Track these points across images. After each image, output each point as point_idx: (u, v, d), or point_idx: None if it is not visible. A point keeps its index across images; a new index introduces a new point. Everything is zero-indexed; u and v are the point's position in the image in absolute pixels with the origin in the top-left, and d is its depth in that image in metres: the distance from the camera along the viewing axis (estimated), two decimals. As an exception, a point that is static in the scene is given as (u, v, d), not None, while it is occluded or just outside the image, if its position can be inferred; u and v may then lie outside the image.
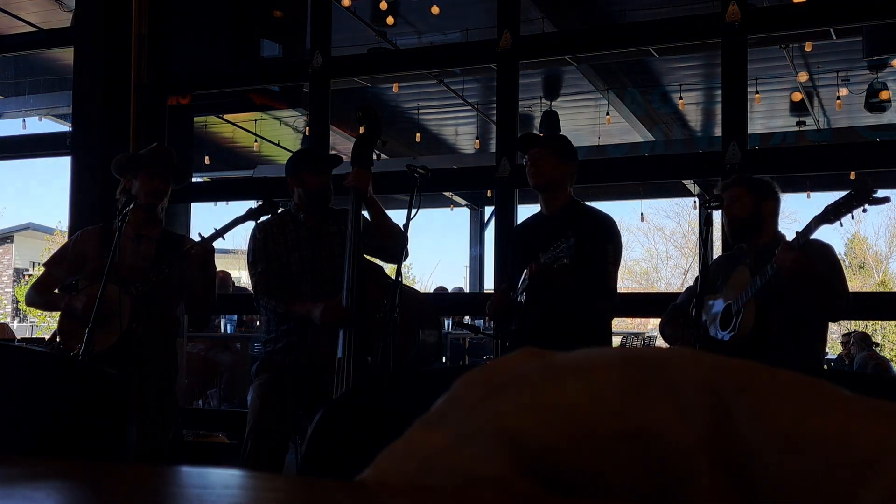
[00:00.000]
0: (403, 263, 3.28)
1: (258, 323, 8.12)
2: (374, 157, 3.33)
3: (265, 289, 3.26)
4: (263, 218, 3.37)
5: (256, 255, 3.31)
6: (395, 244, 3.22)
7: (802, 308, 2.88)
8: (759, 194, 3.10)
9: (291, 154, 3.57)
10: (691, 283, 3.41)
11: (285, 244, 3.30)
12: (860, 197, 2.62)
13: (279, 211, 3.44)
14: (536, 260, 2.92)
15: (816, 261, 2.81)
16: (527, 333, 3.10)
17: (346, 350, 3.03)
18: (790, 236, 3.00)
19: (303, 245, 3.29)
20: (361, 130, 3.36)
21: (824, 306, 2.94)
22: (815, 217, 2.71)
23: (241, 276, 13.58)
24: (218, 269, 3.49)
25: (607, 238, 3.11)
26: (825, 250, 2.96)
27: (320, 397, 3.08)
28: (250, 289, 3.51)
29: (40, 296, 3.45)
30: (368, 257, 3.33)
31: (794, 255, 2.71)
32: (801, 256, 2.71)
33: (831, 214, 2.66)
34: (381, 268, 3.36)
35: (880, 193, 2.64)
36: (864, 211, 2.88)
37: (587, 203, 3.30)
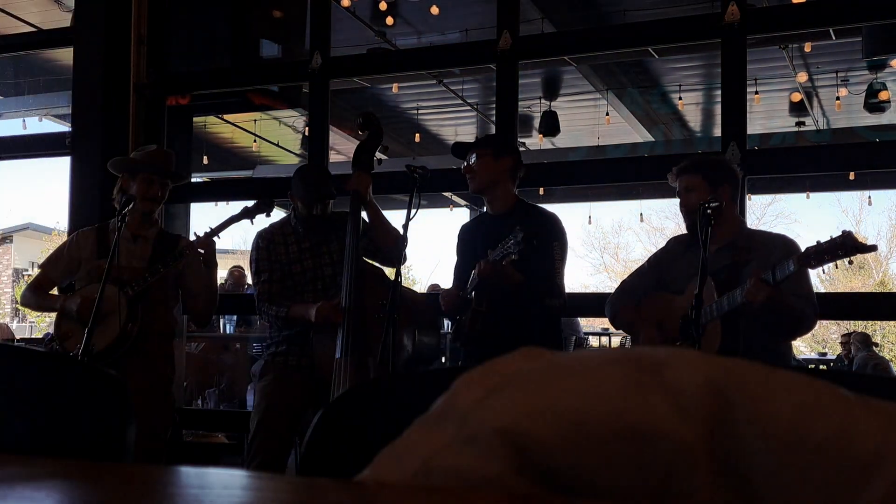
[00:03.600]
0: (403, 265, 3.29)
1: (258, 323, 8.13)
2: (376, 162, 3.35)
3: (269, 297, 3.31)
4: (264, 221, 3.38)
5: (260, 265, 3.35)
6: (393, 248, 3.24)
7: (770, 332, 2.80)
8: (714, 182, 2.95)
9: (299, 169, 3.56)
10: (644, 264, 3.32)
11: (287, 255, 3.34)
12: (845, 248, 2.49)
13: (281, 218, 3.47)
14: (485, 258, 2.92)
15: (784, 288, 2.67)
16: (478, 333, 3.09)
17: (344, 351, 3.05)
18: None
19: (304, 258, 3.34)
20: (362, 134, 3.38)
21: (792, 331, 2.90)
22: (797, 257, 2.58)
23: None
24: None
25: (554, 236, 3.10)
26: (790, 247, 2.83)
27: (323, 398, 3.10)
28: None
29: (35, 296, 3.45)
30: (368, 260, 3.35)
31: (766, 294, 2.60)
32: (773, 294, 2.61)
33: (813, 259, 2.54)
34: (381, 270, 3.37)
35: (871, 241, 2.53)
36: (850, 263, 2.78)
37: (534, 204, 3.32)
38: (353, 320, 3.09)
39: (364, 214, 3.30)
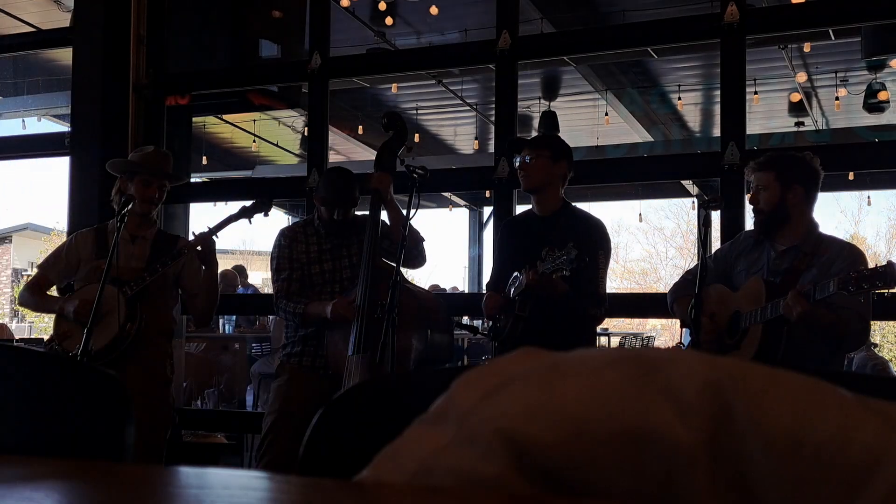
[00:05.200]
0: (423, 265, 3.34)
1: (257, 323, 8.13)
2: (399, 162, 3.35)
3: (286, 294, 3.32)
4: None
5: (281, 262, 3.37)
6: (413, 248, 3.26)
7: (815, 343, 2.74)
8: (787, 181, 2.84)
9: (327, 171, 3.60)
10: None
11: (307, 254, 3.36)
12: (885, 279, 2.42)
13: (305, 217, 3.48)
14: (534, 267, 2.92)
15: (829, 309, 2.61)
16: (518, 335, 3.10)
17: (357, 349, 3.06)
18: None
19: (325, 259, 3.36)
20: (386, 133, 3.38)
21: (838, 345, 2.82)
22: (837, 279, 2.50)
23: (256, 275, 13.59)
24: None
25: (600, 244, 3.13)
26: (854, 261, 2.72)
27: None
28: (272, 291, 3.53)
29: (34, 297, 3.44)
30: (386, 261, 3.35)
31: (802, 309, 2.54)
32: (810, 311, 2.55)
33: (851, 285, 2.45)
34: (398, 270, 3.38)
35: None
36: (885, 295, 2.70)
37: (578, 206, 3.33)
38: (367, 319, 3.09)
39: (385, 215, 3.33)
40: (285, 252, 3.36)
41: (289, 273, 3.33)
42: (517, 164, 3.25)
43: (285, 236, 3.40)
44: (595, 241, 3.10)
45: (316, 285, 3.33)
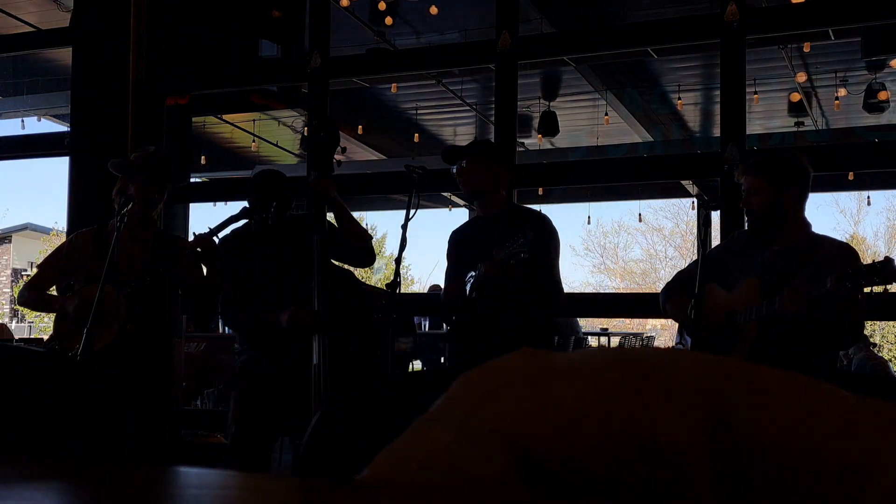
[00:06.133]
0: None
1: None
2: (335, 164, 3.30)
3: (234, 303, 3.26)
4: (235, 225, 3.34)
5: (225, 272, 3.29)
6: (360, 248, 3.25)
7: (809, 340, 2.76)
8: (780, 184, 2.83)
9: (255, 175, 3.54)
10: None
11: (251, 261, 3.28)
12: (883, 275, 2.45)
13: (242, 224, 3.37)
14: (489, 258, 2.93)
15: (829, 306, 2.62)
16: (477, 331, 3.11)
17: (321, 356, 3.02)
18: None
19: (270, 264, 3.27)
20: (319, 136, 3.32)
21: (833, 343, 2.85)
22: (833, 277, 2.51)
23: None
24: None
25: (549, 235, 3.17)
26: (847, 261, 2.71)
27: (300, 402, 3.07)
28: None
29: (33, 296, 3.44)
30: (336, 262, 3.32)
31: (800, 307, 2.57)
32: (807, 308, 2.57)
33: (849, 281, 2.48)
34: (351, 273, 3.35)
35: None
36: (885, 291, 2.72)
37: (523, 205, 3.38)
38: (327, 325, 3.05)
39: (332, 217, 3.27)
40: (229, 262, 3.28)
41: (231, 284, 3.26)
42: (454, 170, 3.27)
43: (224, 245, 3.31)
44: (545, 234, 3.13)
45: (266, 291, 3.24)
